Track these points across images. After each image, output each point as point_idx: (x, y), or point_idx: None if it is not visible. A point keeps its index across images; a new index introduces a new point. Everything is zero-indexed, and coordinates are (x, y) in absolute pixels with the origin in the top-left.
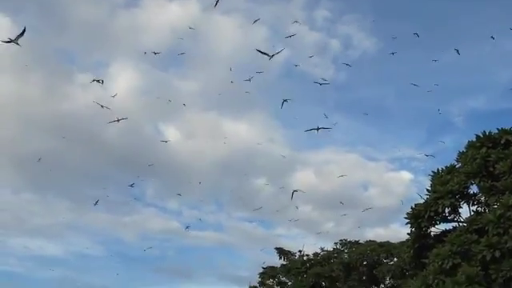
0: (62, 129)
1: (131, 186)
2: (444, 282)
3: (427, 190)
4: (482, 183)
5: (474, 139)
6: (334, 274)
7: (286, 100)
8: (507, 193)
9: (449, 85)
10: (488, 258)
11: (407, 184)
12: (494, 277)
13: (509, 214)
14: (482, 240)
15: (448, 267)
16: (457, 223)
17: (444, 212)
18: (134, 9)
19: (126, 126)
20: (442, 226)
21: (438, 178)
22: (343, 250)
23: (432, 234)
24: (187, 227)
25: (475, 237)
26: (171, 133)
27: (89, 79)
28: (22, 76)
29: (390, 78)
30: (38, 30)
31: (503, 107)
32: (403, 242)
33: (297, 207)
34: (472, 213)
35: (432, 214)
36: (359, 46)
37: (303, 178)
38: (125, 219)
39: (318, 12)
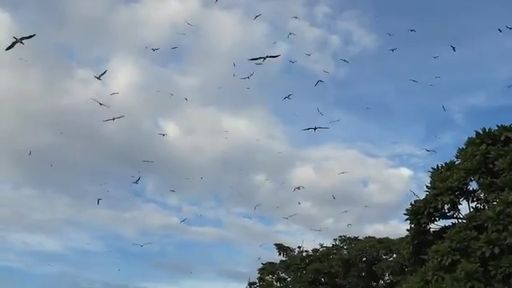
0: (61, 124)
1: (136, 182)
2: (443, 279)
3: (427, 186)
4: (481, 180)
5: (474, 136)
6: (333, 270)
7: (288, 96)
8: (507, 189)
9: (449, 81)
10: (487, 255)
11: (407, 180)
12: (493, 273)
13: (508, 210)
14: (482, 236)
15: (447, 263)
16: (456, 220)
17: (443, 208)
18: (134, 4)
19: (125, 121)
20: (442, 223)
21: (437, 174)
22: (342, 247)
23: (431, 230)
24: (182, 220)
25: (474, 233)
26: (171, 128)
27: (88, 74)
28: (21, 71)
29: (390, 74)
30: (37, 24)
31: (503, 104)
32: (402, 238)
33: (299, 203)
34: (471, 209)
35: (431, 210)
36: (359, 42)
37: (303, 174)
38: (125, 215)
39: (318, 8)
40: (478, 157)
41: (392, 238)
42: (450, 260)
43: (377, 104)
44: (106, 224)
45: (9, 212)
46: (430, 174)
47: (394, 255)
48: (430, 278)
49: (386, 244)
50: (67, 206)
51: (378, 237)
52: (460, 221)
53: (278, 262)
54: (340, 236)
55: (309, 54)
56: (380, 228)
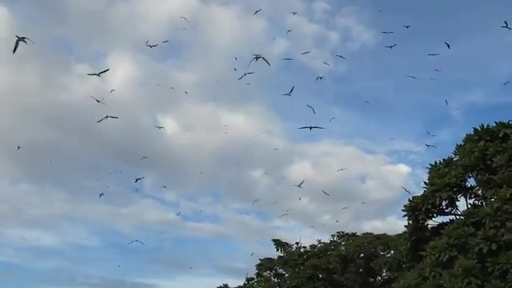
0: (59, 119)
1: (137, 180)
2: (441, 275)
3: (425, 182)
4: (479, 176)
5: (472, 132)
6: (330, 266)
7: (290, 92)
8: (504, 186)
9: (447, 78)
10: (485, 251)
11: (405, 177)
12: (490, 269)
13: (506, 207)
14: (479, 233)
15: (445, 260)
16: (454, 216)
17: (441, 205)
18: None
19: (123, 117)
20: (439, 219)
21: (435, 170)
22: (340, 243)
23: (429, 226)
24: (178, 213)
25: (472, 230)
26: (169, 124)
27: (86, 69)
28: (19, 66)
29: (389, 70)
30: (35, 19)
31: (501, 101)
32: (400, 234)
33: (300, 198)
34: (469, 206)
35: (429, 206)
36: (358, 38)
37: (300, 170)
38: (122, 210)
39: (316, 4)
40: (476, 153)
41: (390, 234)
42: (447, 256)
43: (375, 100)
44: (103, 219)
45: (6, 207)
46: (428, 170)
47: (392, 251)
48: (427, 274)
49: (383, 240)
50: (65, 201)
51: (375, 233)
52: (458, 217)
53: (275, 257)
54: (338, 232)
55: (307, 52)
56: (378, 224)
